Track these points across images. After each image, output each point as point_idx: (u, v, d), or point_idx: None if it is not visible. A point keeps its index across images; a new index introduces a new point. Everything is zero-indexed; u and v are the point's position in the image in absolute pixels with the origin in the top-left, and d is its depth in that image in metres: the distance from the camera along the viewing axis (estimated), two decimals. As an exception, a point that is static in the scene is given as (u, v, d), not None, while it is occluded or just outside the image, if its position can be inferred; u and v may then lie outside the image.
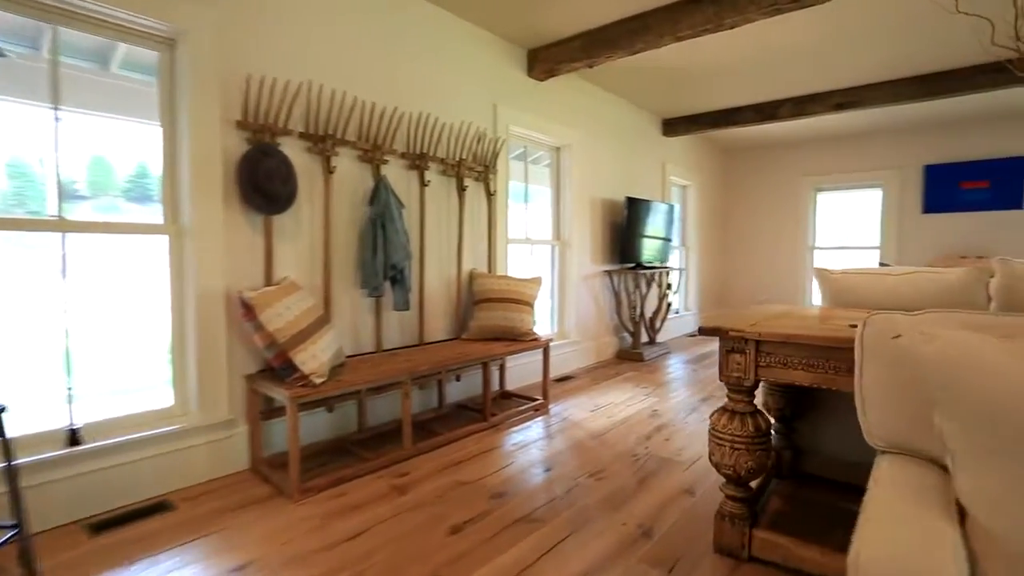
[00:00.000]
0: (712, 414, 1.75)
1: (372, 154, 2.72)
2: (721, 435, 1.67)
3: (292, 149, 2.42)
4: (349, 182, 2.68)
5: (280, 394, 2.06)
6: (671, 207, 5.48)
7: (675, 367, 4.59)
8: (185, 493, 2.10)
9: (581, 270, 4.57)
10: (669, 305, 5.55)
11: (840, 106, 4.75)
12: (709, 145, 7.10)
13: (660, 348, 5.22)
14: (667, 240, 5.49)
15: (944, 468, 0.95)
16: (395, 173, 2.90)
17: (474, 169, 3.36)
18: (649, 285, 5.20)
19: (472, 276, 3.35)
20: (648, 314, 5.32)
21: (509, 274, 3.73)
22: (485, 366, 2.95)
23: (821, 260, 6.99)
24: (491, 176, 3.49)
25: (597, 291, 4.82)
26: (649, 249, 5.18)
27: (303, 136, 2.45)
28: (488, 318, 3.21)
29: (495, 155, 3.50)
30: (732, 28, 2.99)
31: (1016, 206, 5.69)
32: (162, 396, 2.19)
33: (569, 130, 4.30)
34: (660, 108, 5.39)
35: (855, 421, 2.25)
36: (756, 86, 4.67)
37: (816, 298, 6.93)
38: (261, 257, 2.35)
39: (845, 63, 4.10)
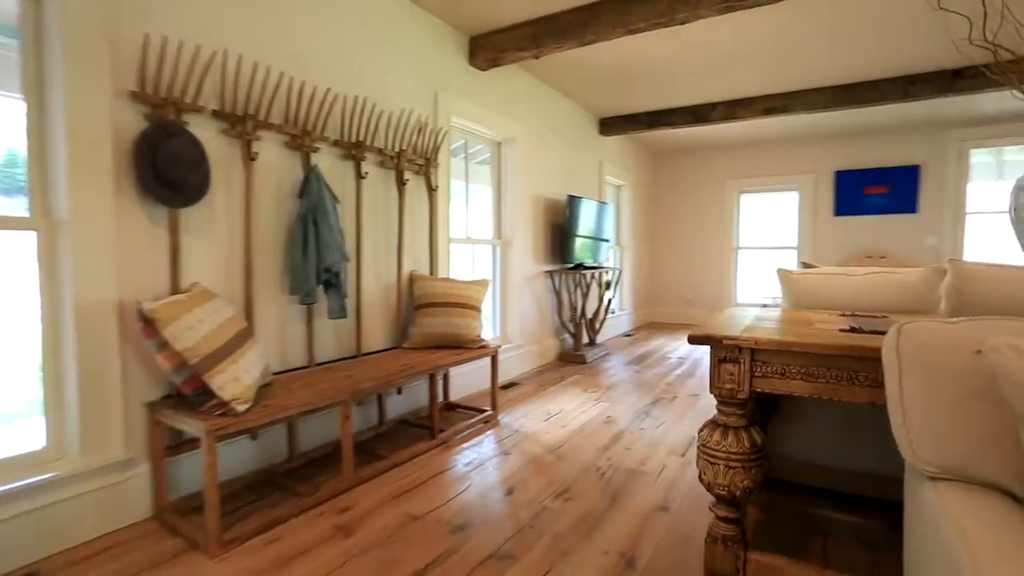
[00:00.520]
0: (701, 429, 1.61)
1: (301, 140, 2.37)
2: (714, 453, 1.53)
3: (204, 130, 2.03)
4: (275, 172, 2.32)
5: (193, 426, 1.69)
6: (609, 207, 5.45)
7: (618, 369, 4.53)
8: (67, 557, 1.67)
9: (523, 271, 4.39)
10: (609, 303, 5.52)
11: (768, 111, 4.92)
12: (640, 147, 7.19)
13: (600, 349, 5.17)
14: (606, 240, 5.45)
15: (1016, 499, 0.85)
16: (328, 163, 2.56)
17: (415, 162, 3.07)
18: (589, 286, 5.12)
19: (413, 279, 3.06)
20: (588, 315, 5.25)
21: (452, 276, 3.47)
22: (432, 378, 2.68)
23: (745, 260, 7.30)
24: (432, 170, 3.21)
25: (539, 292, 4.67)
26: (590, 249, 5.11)
27: (218, 115, 2.06)
28: (432, 324, 2.94)
29: (436, 147, 3.23)
30: (683, 23, 2.92)
31: (911, 210, 6.22)
32: (32, 435, 1.73)
33: (511, 124, 4.10)
34: (598, 106, 5.33)
35: (820, 426, 2.24)
36: (691, 88, 4.72)
37: (742, 297, 7.23)
38: (166, 259, 1.94)
39: (776, 69, 4.22)
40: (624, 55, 3.96)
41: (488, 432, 2.90)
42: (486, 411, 3.11)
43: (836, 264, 6.58)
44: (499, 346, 3.18)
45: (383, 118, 2.88)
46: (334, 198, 2.44)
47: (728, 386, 1.53)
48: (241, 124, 2.12)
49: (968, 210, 6.03)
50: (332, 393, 2.06)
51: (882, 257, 6.29)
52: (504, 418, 3.14)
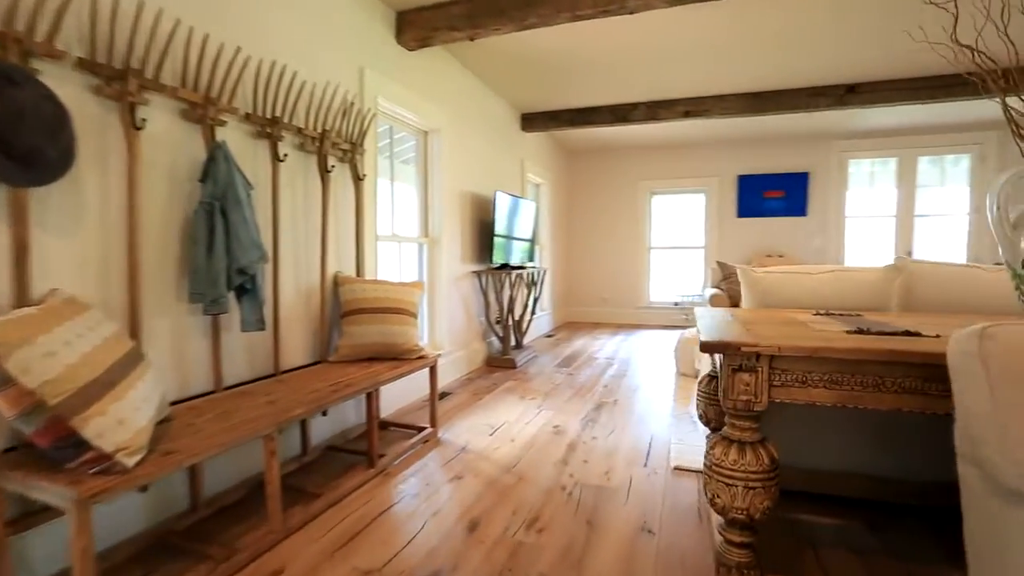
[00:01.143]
0: (711, 447, 1.44)
1: (204, 110, 1.89)
2: (731, 474, 1.36)
3: (67, 85, 1.52)
4: (168, 146, 1.82)
5: (57, 493, 1.21)
6: (533, 205, 5.29)
7: (549, 372, 4.37)
8: None
9: (451, 271, 4.08)
10: (536, 302, 5.36)
11: (688, 114, 5.03)
12: (558, 146, 7.15)
13: (528, 352, 4.99)
14: (531, 240, 5.29)
15: None
16: (237, 141, 2.09)
17: (339, 146, 2.65)
18: (515, 286, 4.92)
19: (339, 282, 2.65)
20: (515, 317, 5.05)
21: (381, 278, 3.08)
22: (369, 397, 2.30)
23: (657, 260, 7.52)
24: (359, 157, 2.81)
25: (467, 294, 4.38)
26: (518, 248, 4.91)
27: (86, 66, 1.55)
28: (363, 334, 2.55)
29: (364, 131, 2.83)
30: (632, 12, 2.80)
31: (802, 213, 6.75)
32: None
33: (438, 112, 3.78)
34: (522, 101, 5.15)
35: (804, 428, 2.20)
36: (616, 87, 4.69)
37: (656, 296, 7.43)
38: (7, 257, 1.41)
39: (699, 72, 4.30)
40: (557, 46, 3.79)
41: (431, 453, 2.57)
42: (424, 428, 2.77)
43: (742, 263, 6.98)
44: (438, 355, 2.85)
45: (304, 92, 2.44)
46: (247, 184, 1.99)
47: (743, 398, 1.37)
48: (120, 81, 1.62)
49: (847, 214, 6.66)
50: (253, 426, 1.63)
51: (780, 256, 6.77)
52: (445, 435, 2.82)
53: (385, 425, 2.90)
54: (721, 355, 1.39)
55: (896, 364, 1.25)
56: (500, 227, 4.46)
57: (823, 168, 6.67)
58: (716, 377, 2.13)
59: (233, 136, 2.07)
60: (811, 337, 1.41)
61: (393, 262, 3.57)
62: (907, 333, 1.43)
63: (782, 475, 2.16)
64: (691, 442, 2.69)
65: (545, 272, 5.47)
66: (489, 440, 2.75)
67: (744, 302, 2.33)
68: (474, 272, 4.48)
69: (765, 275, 2.24)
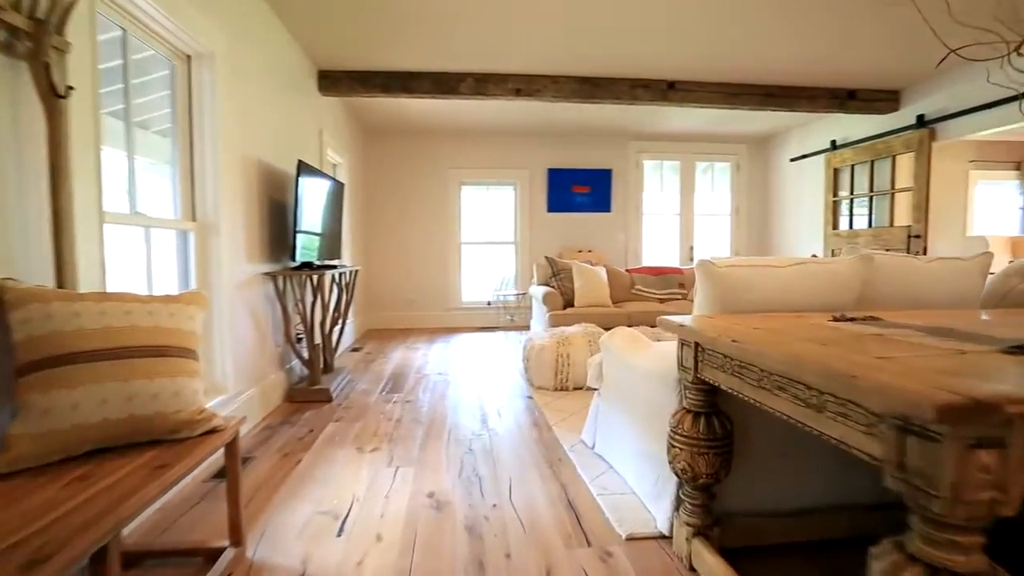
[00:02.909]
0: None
1: None
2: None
3: None
4: None
5: None
6: (345, 187, 4.15)
7: (379, 402, 3.36)
8: None
9: (235, 274, 2.76)
10: (348, 310, 4.22)
11: (518, 92, 4.50)
12: (358, 122, 5.98)
13: (342, 375, 3.85)
14: (338, 231, 4.13)
15: None
16: None
17: (6, 22, 1.28)
18: (322, 291, 3.73)
19: (9, 301, 1.28)
20: (326, 332, 3.84)
21: (115, 290, 1.72)
22: (106, 551, 1.07)
23: (469, 256, 6.94)
24: (55, 54, 1.45)
25: (258, 305, 3.08)
26: (326, 241, 3.74)
27: None
28: (75, 406, 1.27)
29: (69, 7, 1.47)
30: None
31: (607, 209, 6.93)
32: None
33: (212, 28, 2.44)
34: (323, 50, 3.94)
35: (760, 465, 1.70)
36: (442, 51, 3.88)
37: (468, 296, 6.81)
38: None
39: (535, 44, 3.77)
40: (390, -33, 2.81)
41: (241, 604, 1.42)
42: (221, 548, 1.58)
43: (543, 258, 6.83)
44: (242, 419, 1.66)
45: None
46: None
47: (984, 495, 0.74)
48: None
49: (644, 211, 7.07)
50: None
51: (589, 251, 6.82)
52: (260, 552, 1.67)
53: (138, 558, 1.60)
54: (899, 420, 0.74)
55: None
56: (305, 213, 3.25)
57: (623, 166, 6.93)
58: (706, 414, 1.53)
59: None
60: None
61: (135, 259, 2.15)
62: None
63: (768, 528, 1.69)
64: (614, 488, 2.08)
65: (357, 272, 4.35)
66: (342, 547, 1.70)
67: (700, 303, 1.79)
68: (268, 274, 3.18)
69: (730, 269, 1.73)
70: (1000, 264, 3.54)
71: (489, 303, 6.88)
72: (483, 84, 4.45)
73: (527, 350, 3.79)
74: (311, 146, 4.18)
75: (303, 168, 3.21)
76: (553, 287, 5.11)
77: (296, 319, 3.54)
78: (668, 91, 4.66)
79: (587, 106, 5.43)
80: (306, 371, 3.50)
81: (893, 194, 5.08)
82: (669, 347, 1.93)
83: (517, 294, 6.10)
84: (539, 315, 5.20)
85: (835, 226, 5.78)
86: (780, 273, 1.75)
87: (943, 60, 2.49)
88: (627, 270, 5.66)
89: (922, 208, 4.73)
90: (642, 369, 1.99)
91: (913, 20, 3.60)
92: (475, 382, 3.89)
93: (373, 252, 6.65)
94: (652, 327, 4.25)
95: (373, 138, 6.58)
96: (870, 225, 5.33)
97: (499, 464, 2.36)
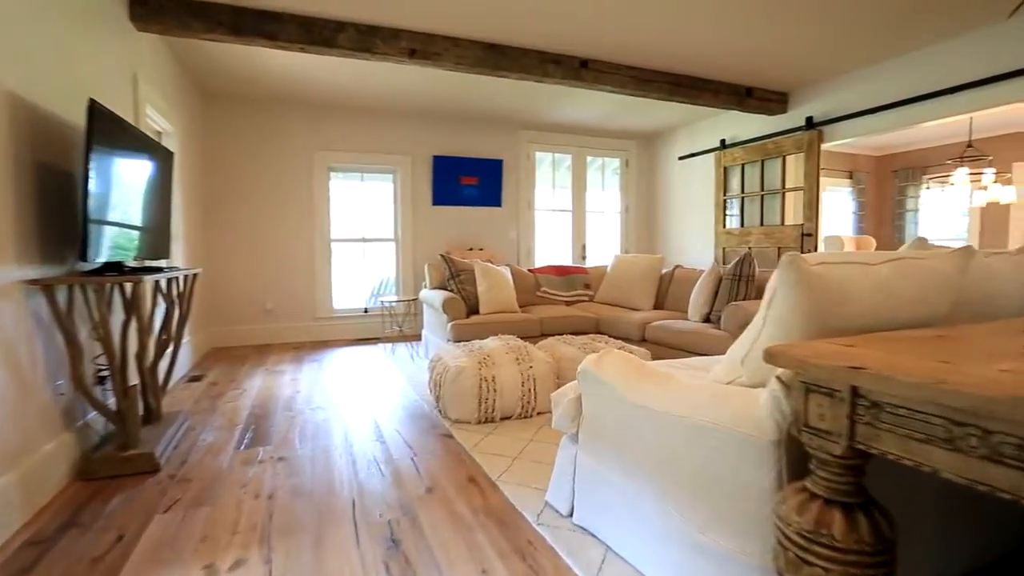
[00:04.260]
0: None
1: None
2: None
3: None
4: None
5: None
6: (169, 160, 2.97)
7: (236, 467, 2.33)
8: None
9: (-36, 285, 1.59)
10: (184, 325, 3.04)
11: (414, 54, 3.66)
12: (191, 79, 4.61)
13: (175, 425, 2.70)
14: (166, 222, 2.95)
15: None
16: None
17: None
18: (134, 306, 2.54)
19: None
20: (148, 363, 2.64)
21: None
22: None
23: (341, 255, 5.85)
24: None
25: (12, 335, 1.89)
26: (147, 235, 2.58)
27: None
28: None
29: None
30: None
31: (497, 203, 6.32)
32: None
33: None
34: (132, -43, 2.74)
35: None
36: (325, -23, 2.93)
37: (339, 303, 5.77)
38: None
39: (454, -16, 3.01)
40: None
41: None
42: None
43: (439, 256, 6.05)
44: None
45: None
46: None
47: None
48: None
49: (536, 207, 6.59)
50: None
51: (480, 249, 6.15)
52: None
53: None
54: None
55: None
56: (107, 189, 2.12)
57: (514, 157, 6.38)
58: (862, 507, 0.93)
59: None
60: None
61: None
62: None
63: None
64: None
65: (195, 277, 3.15)
66: None
67: (780, 321, 1.20)
68: (36, 283, 1.98)
69: (828, 269, 1.17)
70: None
71: (367, 310, 5.86)
72: (369, 39, 3.54)
73: (438, 374, 3.00)
74: (119, 96, 2.92)
75: (101, 117, 2.07)
76: (453, 291, 4.34)
77: (95, 350, 2.35)
78: (580, 70, 4.17)
79: (478, 87, 4.76)
80: (112, 426, 2.33)
81: (784, 193, 5.18)
82: (722, 390, 1.32)
83: (405, 300, 5.20)
84: (436, 325, 4.40)
85: (725, 224, 5.83)
86: (877, 274, 1.23)
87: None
88: (530, 270, 5.10)
89: (813, 207, 4.84)
90: (678, 417, 1.36)
91: (802, 22, 3.57)
92: (369, 417, 2.99)
93: (218, 250, 5.26)
94: (634, 342, 3.59)
95: (217, 105, 5.19)
96: (762, 223, 5.41)
97: (447, 566, 1.58)
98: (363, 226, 5.92)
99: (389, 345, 5.32)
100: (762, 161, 5.36)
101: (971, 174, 5.73)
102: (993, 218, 7.15)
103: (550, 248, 6.77)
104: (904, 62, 4.10)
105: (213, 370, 4.20)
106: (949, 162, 6.10)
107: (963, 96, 3.77)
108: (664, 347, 3.77)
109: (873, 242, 6.80)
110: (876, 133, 4.42)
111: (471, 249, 6.10)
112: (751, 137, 5.44)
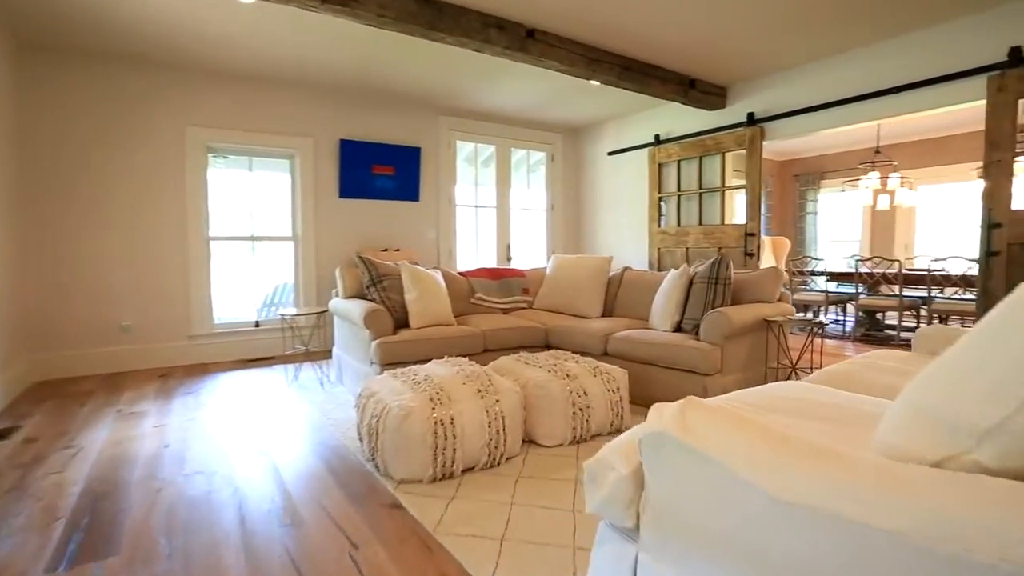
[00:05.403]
0: None
1: None
2: None
3: None
4: None
5: None
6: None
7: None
8: None
9: None
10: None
11: (325, 1, 2.83)
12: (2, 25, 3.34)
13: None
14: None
15: None
16: None
17: None
18: None
19: None
20: None
21: None
22: None
23: (223, 256, 4.74)
24: None
25: None
26: None
27: None
28: None
29: None
30: None
31: (414, 198, 5.55)
32: None
33: None
34: None
35: None
36: None
37: (225, 315, 4.70)
38: None
39: None
40: None
41: None
42: None
43: (356, 258, 5.15)
44: None
45: None
46: None
47: None
48: None
49: (457, 202, 5.90)
50: None
51: (397, 250, 5.33)
52: None
53: None
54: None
55: None
56: None
57: (433, 145, 5.64)
58: None
59: None
60: None
61: None
62: None
63: None
64: None
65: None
66: None
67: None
68: None
69: None
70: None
71: (258, 324, 4.81)
72: (262, -32, 2.66)
73: (374, 416, 2.23)
74: None
75: None
76: (375, 300, 3.54)
77: None
78: (527, 40, 3.58)
79: (395, 59, 3.99)
80: None
81: (724, 191, 4.98)
82: (977, 487, 0.78)
83: (312, 312, 4.23)
84: (355, 343, 3.57)
85: (660, 223, 5.56)
86: None
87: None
88: (461, 273, 4.41)
89: (756, 206, 4.67)
90: (892, 535, 0.78)
91: (742, 14, 3.35)
92: (275, 481, 2.15)
93: (42, 253, 3.94)
94: (596, 356, 2.82)
95: (40, 60, 3.88)
96: (700, 223, 5.18)
97: None
98: (254, 221, 4.86)
99: (290, 367, 4.35)
100: (700, 158, 5.13)
101: (881, 178, 5.99)
102: (881, 221, 7.69)
103: (472, 249, 6.11)
104: (842, 61, 4.01)
105: (32, 418, 3.02)
106: (860, 166, 6.37)
107: (907, 97, 3.72)
108: (630, 362, 3.28)
109: (787, 243, 6.97)
110: (816, 131, 4.32)
111: (385, 250, 5.26)
112: (687, 133, 5.19)
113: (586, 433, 2.58)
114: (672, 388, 3.00)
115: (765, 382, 3.29)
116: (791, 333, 4.07)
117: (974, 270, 4.93)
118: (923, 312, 5.34)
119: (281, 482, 2.16)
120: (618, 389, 2.71)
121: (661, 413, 1.14)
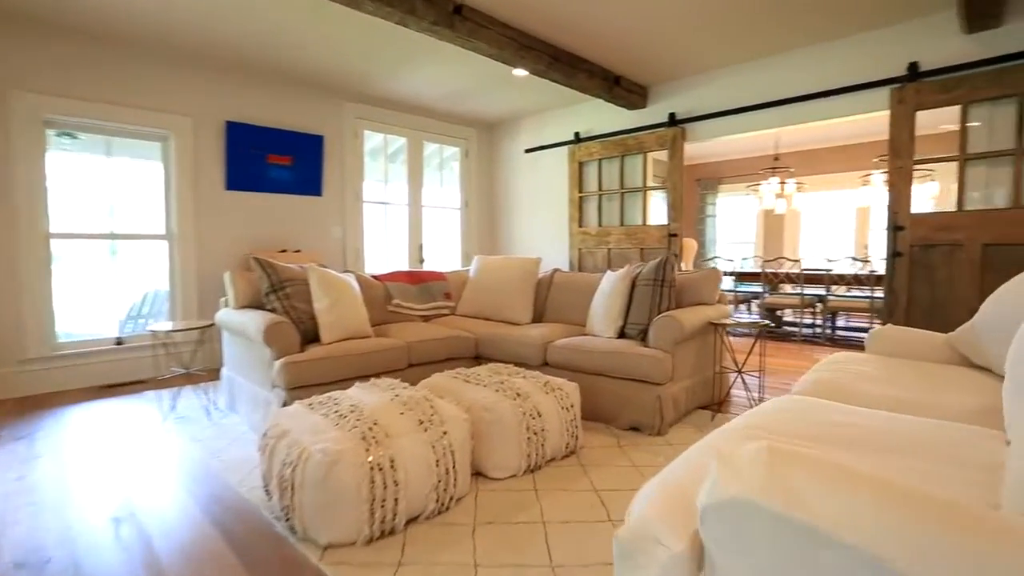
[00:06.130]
0: None
1: None
2: None
3: None
4: None
5: None
6: None
7: None
8: None
9: None
10: None
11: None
12: None
13: None
14: None
15: None
16: None
17: None
18: None
19: None
20: None
21: None
22: None
23: (68, 257, 3.81)
24: None
25: None
26: None
27: None
28: None
29: None
30: None
31: (316, 192, 4.92)
32: None
33: None
34: None
35: None
36: None
37: (74, 331, 3.82)
38: None
39: None
40: None
41: None
42: None
43: (247, 259, 4.42)
44: None
45: None
46: None
47: None
48: None
49: (365, 198, 5.34)
50: None
51: (297, 251, 4.68)
52: None
53: None
54: None
55: None
56: None
57: (337, 134, 5.05)
58: None
59: None
60: None
61: None
62: None
63: None
64: None
65: None
66: None
67: None
68: None
69: None
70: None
71: (121, 341, 3.94)
72: None
73: (289, 465, 1.75)
74: None
75: None
76: (276, 311, 2.96)
77: None
78: (454, 16, 3.20)
79: (296, 33, 3.43)
80: None
81: (645, 191, 4.94)
82: None
83: (195, 327, 3.46)
84: (251, 363, 2.96)
85: (581, 223, 5.43)
86: None
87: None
88: (375, 277, 3.92)
89: (678, 207, 4.67)
90: None
91: (664, 15, 3.32)
92: (145, 565, 1.60)
93: None
94: (533, 367, 2.40)
95: None
96: (622, 223, 5.11)
97: None
98: (115, 217, 3.97)
99: (166, 394, 3.58)
100: (622, 157, 5.06)
101: (781, 183, 6.35)
102: (772, 225, 8.26)
103: (382, 250, 5.58)
104: (761, 66, 4.10)
105: None
106: (763, 171, 6.72)
107: (821, 104, 3.86)
108: (574, 372, 3.04)
109: (695, 244, 7.21)
110: (736, 134, 4.39)
111: (283, 251, 4.59)
112: (608, 131, 5.10)
113: (541, 459, 2.27)
114: (623, 401, 2.79)
115: (713, 388, 3.21)
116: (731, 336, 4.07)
117: (865, 270, 5.36)
118: (818, 308, 5.71)
119: (153, 562, 1.61)
120: (572, 407, 2.43)
121: (732, 466, 0.84)
